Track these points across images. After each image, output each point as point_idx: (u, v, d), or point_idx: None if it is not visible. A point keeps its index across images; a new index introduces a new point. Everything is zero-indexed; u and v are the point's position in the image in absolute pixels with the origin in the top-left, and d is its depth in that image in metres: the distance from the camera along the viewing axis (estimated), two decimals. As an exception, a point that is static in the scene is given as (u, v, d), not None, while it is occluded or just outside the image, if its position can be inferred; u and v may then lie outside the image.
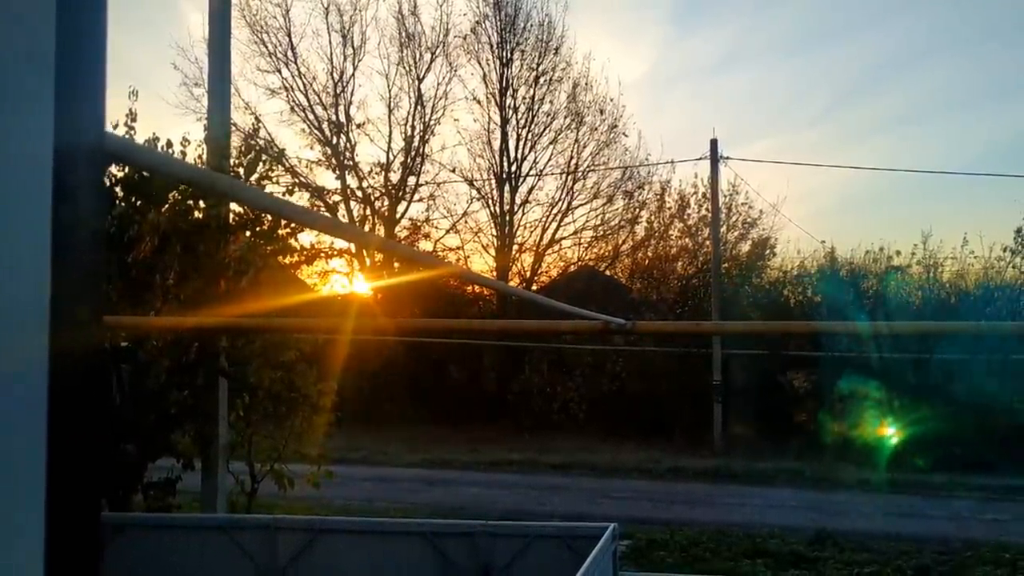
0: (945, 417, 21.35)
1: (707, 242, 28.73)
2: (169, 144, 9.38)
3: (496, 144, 30.90)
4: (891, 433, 21.61)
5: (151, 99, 31.11)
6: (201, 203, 9.09)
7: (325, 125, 30.64)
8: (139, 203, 8.75)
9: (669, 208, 31.34)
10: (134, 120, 9.35)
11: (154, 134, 9.43)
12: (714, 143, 26.33)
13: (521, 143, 30.81)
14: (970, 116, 47.13)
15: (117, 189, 8.74)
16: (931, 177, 58.76)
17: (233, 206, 9.36)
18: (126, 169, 8.68)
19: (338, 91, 30.50)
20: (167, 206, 8.86)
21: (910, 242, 32.45)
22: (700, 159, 27.19)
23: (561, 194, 30.92)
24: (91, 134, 0.86)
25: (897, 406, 22.11)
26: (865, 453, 21.00)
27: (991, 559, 11.94)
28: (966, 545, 12.85)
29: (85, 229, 0.84)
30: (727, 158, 26.80)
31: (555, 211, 30.93)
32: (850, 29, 47.36)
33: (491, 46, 30.74)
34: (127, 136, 8.83)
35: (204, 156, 9.60)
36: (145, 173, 8.19)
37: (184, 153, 9.58)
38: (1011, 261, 25.44)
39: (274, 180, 11.23)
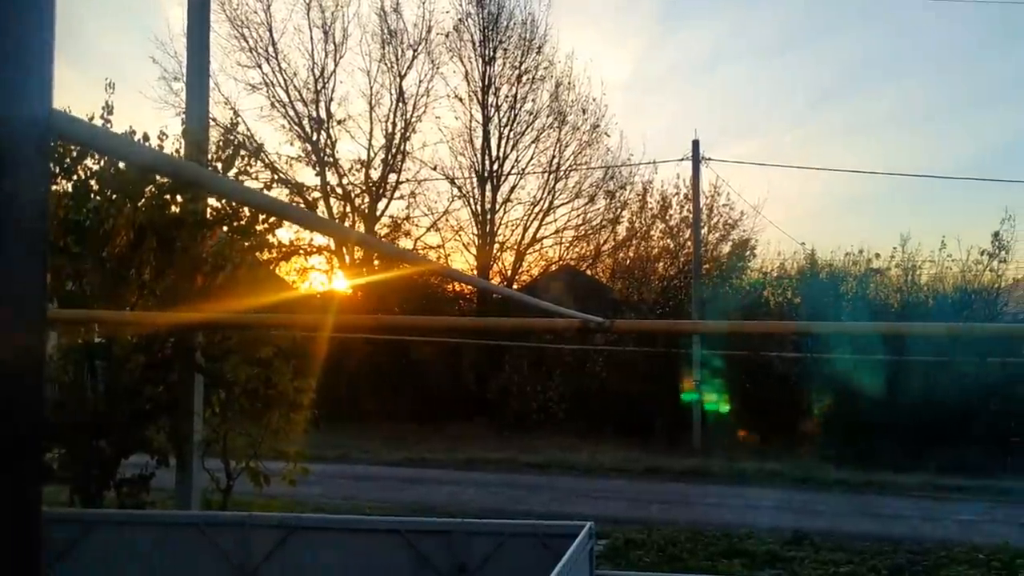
0: (922, 419, 21.52)
1: (688, 243, 28.82)
2: (146, 137, 9.28)
3: (478, 142, 30.91)
4: (868, 434, 21.73)
5: (131, 94, 30.90)
6: (178, 197, 9.01)
7: (305, 121, 30.52)
8: (115, 197, 8.65)
9: (651, 208, 31.46)
10: (111, 113, 9.26)
11: (131, 127, 9.34)
12: (696, 144, 26.42)
13: (503, 142, 30.82)
14: (950, 122, 47.60)
15: (92, 182, 8.64)
16: (911, 180, 59.22)
17: (211, 201, 9.29)
18: (102, 162, 8.60)
19: (319, 87, 30.40)
20: (143, 200, 8.77)
21: (889, 245, 32.68)
22: (682, 160, 27.32)
23: (543, 193, 30.99)
24: (34, 107, 0.83)
25: (874, 408, 22.23)
26: (843, 453, 21.12)
27: (965, 559, 12.03)
28: (941, 545, 12.95)
29: (27, 202, 0.80)
30: (709, 159, 26.90)
31: (537, 210, 31.00)
32: (833, 33, 47.72)
33: (473, 44, 30.73)
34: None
35: (182, 150, 9.50)
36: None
37: (161, 147, 9.48)
38: (988, 265, 25.64)
39: (253, 175, 11.14)
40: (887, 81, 48.44)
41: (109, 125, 9.20)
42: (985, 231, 29.34)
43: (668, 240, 31.27)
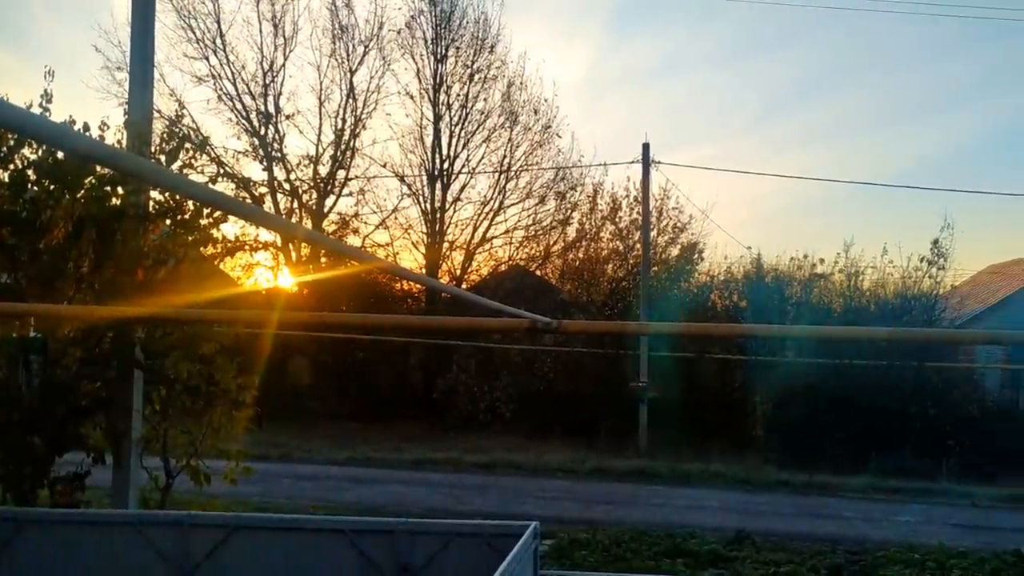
0: (862, 422, 21.94)
1: (637, 245, 28.98)
2: (86, 127, 9.03)
3: (428, 140, 30.74)
4: (810, 436, 22.07)
5: (74, 83, 30.22)
6: (119, 189, 8.79)
7: (253, 115, 30.07)
8: (53, 187, 8.41)
9: (601, 210, 31.56)
10: (49, 101, 8.99)
11: (70, 116, 9.08)
12: (646, 147, 26.58)
13: (454, 140, 30.71)
14: (893, 131, 48.79)
15: (29, 172, 8.40)
16: (855, 188, 60.51)
17: (155, 194, 9.08)
18: (40, 151, 8.37)
19: (267, 81, 29.96)
20: (83, 191, 8.54)
21: (833, 251, 33.27)
22: (632, 163, 27.44)
23: (493, 193, 30.94)
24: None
25: (817, 410, 22.61)
26: (785, 455, 21.41)
27: (901, 559, 12.27)
28: (878, 545, 13.22)
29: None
30: (659, 163, 27.09)
31: (487, 210, 30.92)
32: (783, 44, 48.57)
33: (426, 41, 30.56)
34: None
35: (124, 141, 9.27)
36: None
37: (102, 137, 9.24)
38: (927, 272, 26.24)
39: (198, 169, 10.90)
40: (834, 91, 49.53)
41: (48, 113, 8.95)
42: (925, 238, 30.03)
43: (617, 242, 31.43)
